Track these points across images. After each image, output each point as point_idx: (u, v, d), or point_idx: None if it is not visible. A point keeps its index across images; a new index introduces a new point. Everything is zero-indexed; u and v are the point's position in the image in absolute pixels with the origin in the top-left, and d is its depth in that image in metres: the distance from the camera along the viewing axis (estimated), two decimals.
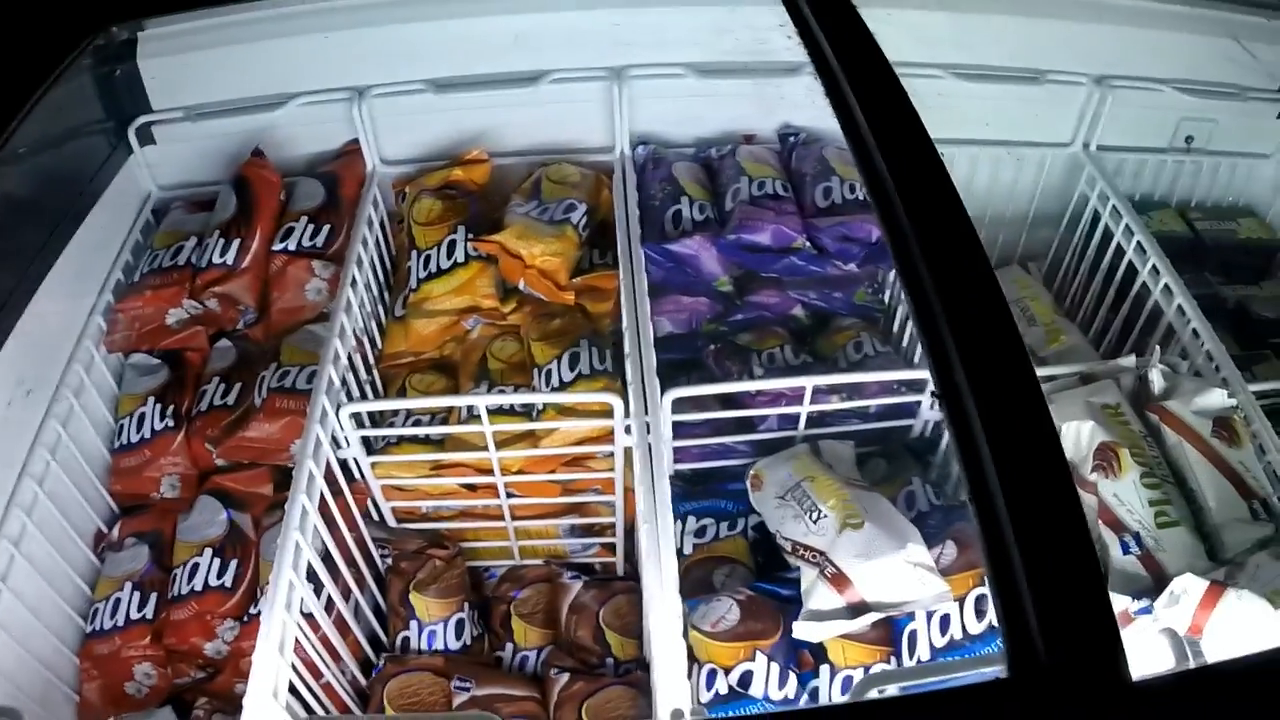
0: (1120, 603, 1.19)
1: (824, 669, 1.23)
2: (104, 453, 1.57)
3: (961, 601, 1.21)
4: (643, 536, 1.24)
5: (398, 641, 1.51)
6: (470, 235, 1.58)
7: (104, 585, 1.49)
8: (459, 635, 1.51)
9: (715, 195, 1.66)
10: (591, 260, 1.65)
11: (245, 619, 1.46)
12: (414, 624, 1.51)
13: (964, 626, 1.19)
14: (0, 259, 1.41)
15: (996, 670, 0.81)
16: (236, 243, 1.58)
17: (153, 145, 1.67)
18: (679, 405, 1.40)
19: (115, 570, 1.49)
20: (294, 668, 1.24)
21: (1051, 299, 1.88)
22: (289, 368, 1.54)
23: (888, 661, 1.23)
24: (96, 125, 1.62)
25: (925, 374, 1.45)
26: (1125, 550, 1.29)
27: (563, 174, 1.64)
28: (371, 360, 1.60)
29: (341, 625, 1.43)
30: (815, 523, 1.28)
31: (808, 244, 1.57)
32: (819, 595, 1.21)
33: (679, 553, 1.41)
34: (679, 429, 1.45)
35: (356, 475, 1.50)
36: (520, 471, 1.49)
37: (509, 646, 1.56)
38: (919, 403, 1.47)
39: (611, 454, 1.44)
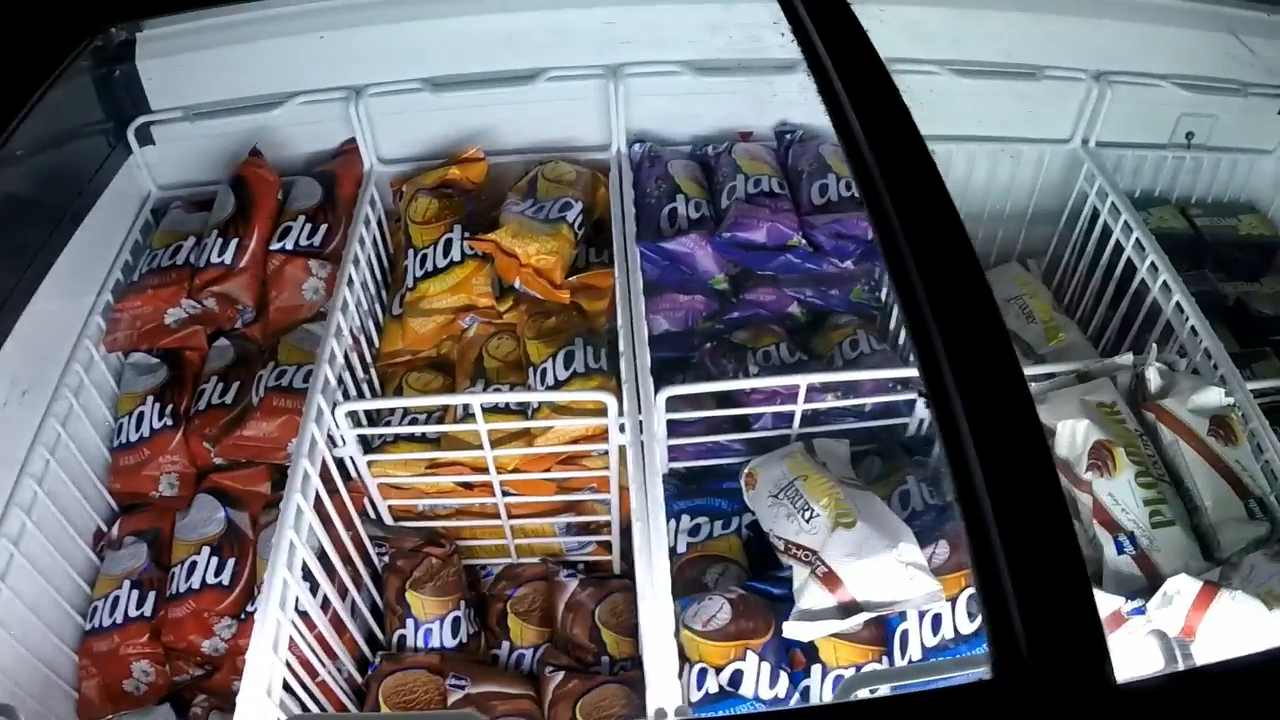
0: (1113, 603, 1.18)
1: (815, 668, 1.22)
2: (104, 451, 1.57)
3: (954, 601, 1.20)
4: (635, 535, 1.23)
5: (394, 639, 1.51)
6: (466, 234, 1.58)
7: (103, 583, 1.49)
8: (455, 633, 1.51)
9: (711, 193, 1.65)
10: (588, 258, 1.65)
11: (243, 617, 1.47)
12: (410, 622, 1.51)
13: (955, 626, 1.18)
14: (0, 259, 1.41)
15: (982, 671, 0.80)
16: (234, 242, 1.58)
17: (152, 145, 1.67)
18: (673, 403, 1.40)
19: (114, 568, 1.50)
20: (289, 666, 1.25)
21: (1051, 296, 1.86)
22: (286, 367, 1.54)
23: (880, 661, 1.22)
24: (95, 126, 1.62)
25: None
26: (1120, 550, 1.28)
27: (559, 172, 1.63)
28: (369, 359, 1.60)
29: (337, 623, 1.43)
30: (808, 521, 1.27)
31: (803, 242, 1.56)
32: (810, 594, 1.20)
33: (672, 551, 1.40)
34: (674, 427, 1.45)
35: (353, 474, 1.50)
36: (516, 470, 1.49)
37: (505, 644, 1.56)
38: (914, 401, 1.46)
39: (606, 452, 1.43)
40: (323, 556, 1.38)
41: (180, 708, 1.47)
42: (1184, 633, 1.14)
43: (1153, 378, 1.43)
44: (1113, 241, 1.73)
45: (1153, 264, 1.62)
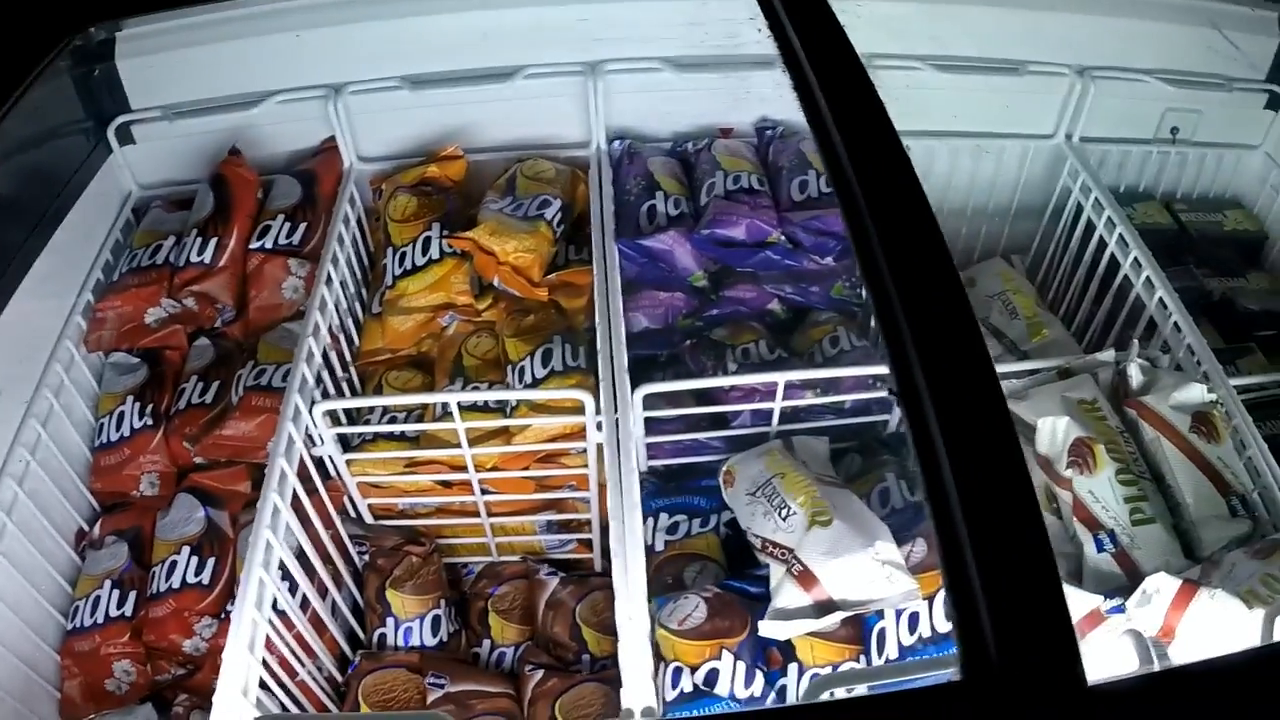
0: (1092, 601, 1.15)
1: (792, 667, 1.19)
2: (85, 451, 1.55)
3: (931, 600, 1.17)
4: (611, 534, 1.21)
5: (374, 638, 1.49)
6: (445, 232, 1.55)
7: (84, 583, 1.48)
8: (435, 631, 1.49)
9: (691, 190, 1.62)
10: (567, 256, 1.62)
11: (223, 616, 1.44)
12: (390, 620, 1.48)
13: (932, 625, 1.16)
14: None
15: (951, 673, 0.78)
16: (214, 241, 1.56)
17: (132, 145, 1.65)
18: (652, 401, 1.38)
19: (95, 568, 1.48)
20: (267, 665, 1.23)
21: (1035, 292, 1.83)
22: (265, 366, 1.52)
23: (857, 660, 1.19)
24: (76, 125, 1.60)
25: None
26: (1100, 548, 1.25)
27: (538, 170, 1.61)
28: (349, 357, 1.57)
29: (317, 622, 1.41)
30: (784, 520, 1.25)
31: (783, 238, 1.54)
32: (786, 593, 1.18)
33: (650, 550, 1.38)
34: (653, 425, 1.42)
35: (332, 472, 1.47)
36: (495, 468, 1.47)
37: (486, 643, 1.53)
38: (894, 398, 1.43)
39: (585, 450, 1.41)
40: (301, 556, 1.36)
41: (162, 707, 1.45)
42: (1163, 632, 1.11)
43: (1134, 374, 1.41)
44: (1096, 237, 1.70)
45: (1136, 260, 1.59)
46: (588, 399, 1.33)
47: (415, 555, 1.53)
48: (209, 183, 1.60)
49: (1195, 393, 1.36)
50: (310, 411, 1.38)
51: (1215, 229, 1.84)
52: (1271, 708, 0.78)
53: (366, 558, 1.54)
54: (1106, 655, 1.08)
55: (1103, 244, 1.68)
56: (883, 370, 1.41)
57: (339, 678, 1.45)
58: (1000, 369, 1.47)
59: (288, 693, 1.33)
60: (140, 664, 1.44)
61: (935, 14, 1.65)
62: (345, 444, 1.48)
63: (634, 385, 1.32)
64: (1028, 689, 0.76)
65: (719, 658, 1.17)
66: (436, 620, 1.50)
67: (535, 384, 1.44)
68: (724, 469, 1.39)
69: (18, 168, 1.49)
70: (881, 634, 1.19)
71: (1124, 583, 1.21)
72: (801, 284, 1.59)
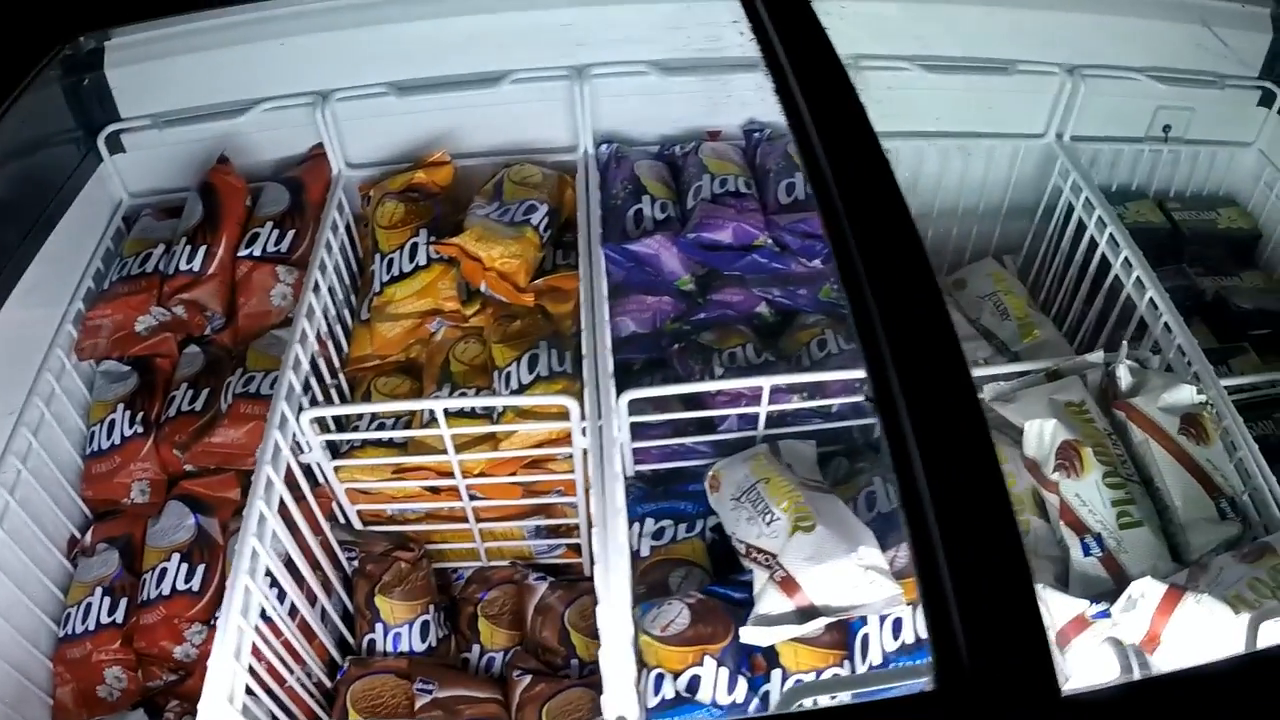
0: (1077, 606, 1.13)
1: (776, 673, 1.18)
2: (77, 459, 1.55)
3: (915, 605, 1.16)
4: (594, 540, 1.20)
5: (364, 644, 1.49)
6: (432, 238, 1.54)
7: (76, 590, 1.47)
8: (424, 637, 1.48)
9: (678, 193, 1.61)
10: (554, 261, 1.61)
11: (212, 623, 1.43)
12: (379, 626, 1.48)
13: (916, 631, 1.14)
14: None
15: (924, 682, 0.76)
16: (203, 249, 1.55)
17: (122, 153, 1.64)
18: (638, 406, 1.36)
19: (86, 575, 1.48)
20: (255, 672, 1.22)
21: (1027, 292, 1.81)
22: (254, 373, 1.51)
23: (841, 665, 1.18)
24: (66, 134, 1.60)
25: None
26: (1086, 552, 1.23)
27: (524, 175, 1.60)
28: (337, 364, 1.57)
29: (305, 629, 1.40)
30: (768, 525, 1.23)
31: (770, 241, 1.52)
32: (768, 599, 1.16)
33: (636, 555, 1.37)
34: (640, 430, 1.41)
35: (320, 479, 1.47)
36: (482, 474, 1.46)
37: (476, 647, 1.53)
38: None
39: (571, 455, 1.40)
40: (289, 563, 1.36)
41: (154, 713, 1.45)
42: (1149, 637, 1.09)
43: (1123, 375, 1.38)
44: (1087, 237, 1.68)
45: (1126, 259, 1.57)
46: (572, 404, 1.32)
47: (404, 561, 1.52)
48: (198, 191, 1.60)
49: (1184, 394, 1.34)
50: (297, 419, 1.38)
51: (1209, 227, 1.81)
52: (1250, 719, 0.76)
53: (356, 564, 1.53)
54: (1090, 662, 1.06)
55: (1094, 244, 1.66)
56: (865, 374, 1.39)
57: (328, 684, 1.44)
58: (988, 371, 1.45)
59: (276, 699, 1.33)
60: (131, 670, 1.44)
61: (923, 14, 1.64)
62: (334, 450, 1.47)
63: (620, 390, 1.31)
64: (1000, 699, 0.74)
65: (701, 664, 1.15)
66: (425, 626, 1.49)
67: (521, 390, 1.43)
68: (710, 474, 1.37)
69: (9, 177, 1.49)
70: (865, 639, 1.17)
71: (1111, 587, 1.19)
72: (789, 287, 1.57)
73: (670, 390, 1.37)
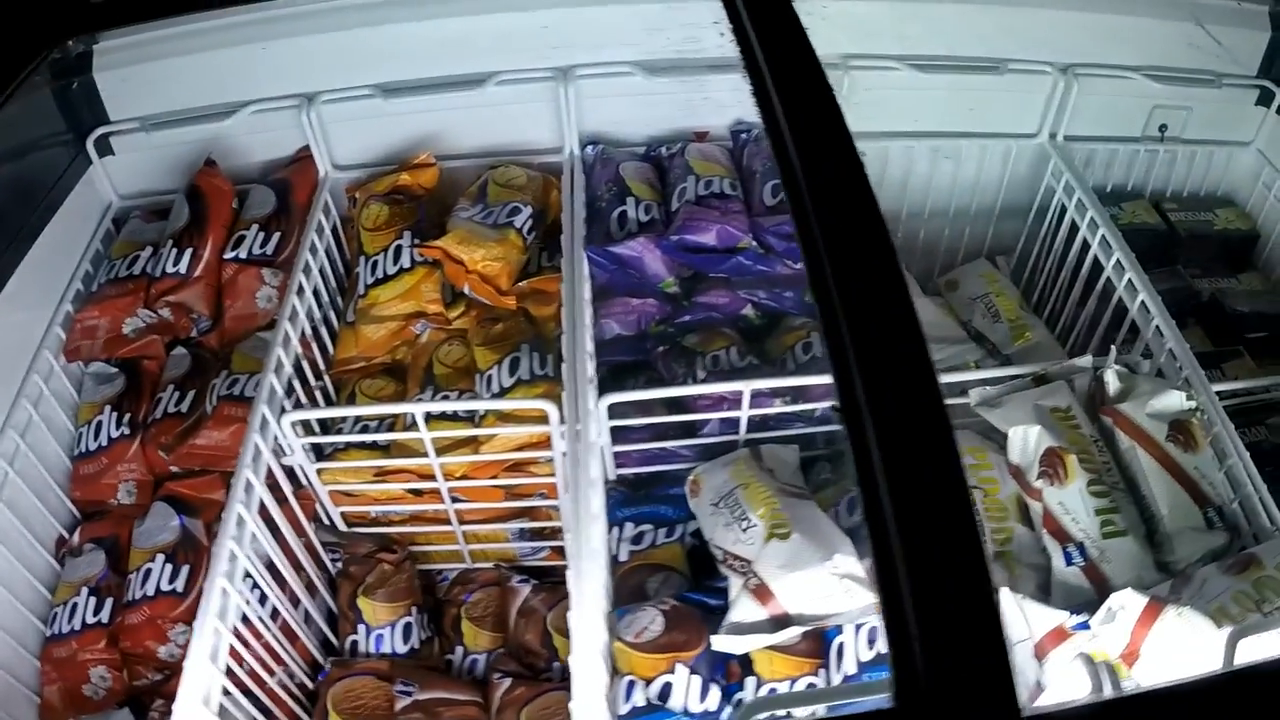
0: (1056, 618, 1.10)
1: (750, 681, 1.15)
2: (65, 460, 1.54)
3: None
4: (567, 545, 1.18)
5: (347, 645, 1.47)
6: (416, 240, 1.53)
7: (63, 590, 1.47)
8: (406, 639, 1.47)
9: (664, 195, 1.58)
10: (540, 263, 1.59)
11: None
12: (362, 627, 1.47)
13: None
14: None
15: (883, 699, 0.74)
16: (189, 252, 1.54)
17: (111, 156, 1.63)
18: (620, 409, 1.34)
19: (73, 575, 1.47)
20: (234, 673, 1.22)
21: (1019, 294, 1.77)
22: (239, 375, 1.50)
23: (816, 674, 1.15)
24: (56, 138, 1.59)
25: None
26: (1068, 561, 1.20)
27: (509, 176, 1.57)
28: (322, 366, 1.55)
29: (288, 630, 1.39)
30: (745, 531, 1.21)
31: (754, 244, 1.49)
32: (742, 607, 1.14)
33: (615, 560, 1.35)
34: (623, 433, 1.39)
35: (303, 481, 1.46)
36: (464, 477, 1.44)
37: (459, 649, 1.51)
38: None
39: (553, 459, 1.38)
40: (271, 564, 1.35)
41: (140, 712, 1.44)
42: (1129, 650, 1.06)
43: (1111, 380, 1.34)
44: (1080, 238, 1.64)
45: (1119, 261, 1.53)
46: (551, 408, 1.30)
47: (388, 563, 1.51)
48: (184, 194, 1.59)
49: (1173, 400, 1.30)
50: (279, 422, 1.36)
51: (1205, 228, 1.76)
52: None
53: (340, 565, 1.52)
54: (1063, 677, 1.03)
55: (1086, 245, 1.62)
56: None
57: (311, 685, 1.43)
58: (973, 375, 1.42)
59: (256, 700, 1.32)
60: (116, 670, 1.43)
61: (912, 13, 1.60)
62: (319, 453, 1.46)
63: (605, 393, 1.29)
64: (959, 717, 0.71)
65: (673, 671, 1.13)
66: (408, 627, 1.48)
67: (502, 393, 1.41)
68: (690, 478, 1.35)
69: None
70: (841, 648, 1.14)
71: (1093, 597, 1.16)
72: (775, 289, 1.54)
73: (649, 394, 1.34)
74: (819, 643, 1.17)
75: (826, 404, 1.38)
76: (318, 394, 1.53)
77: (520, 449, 1.40)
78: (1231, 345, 1.60)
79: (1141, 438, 1.27)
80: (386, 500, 1.49)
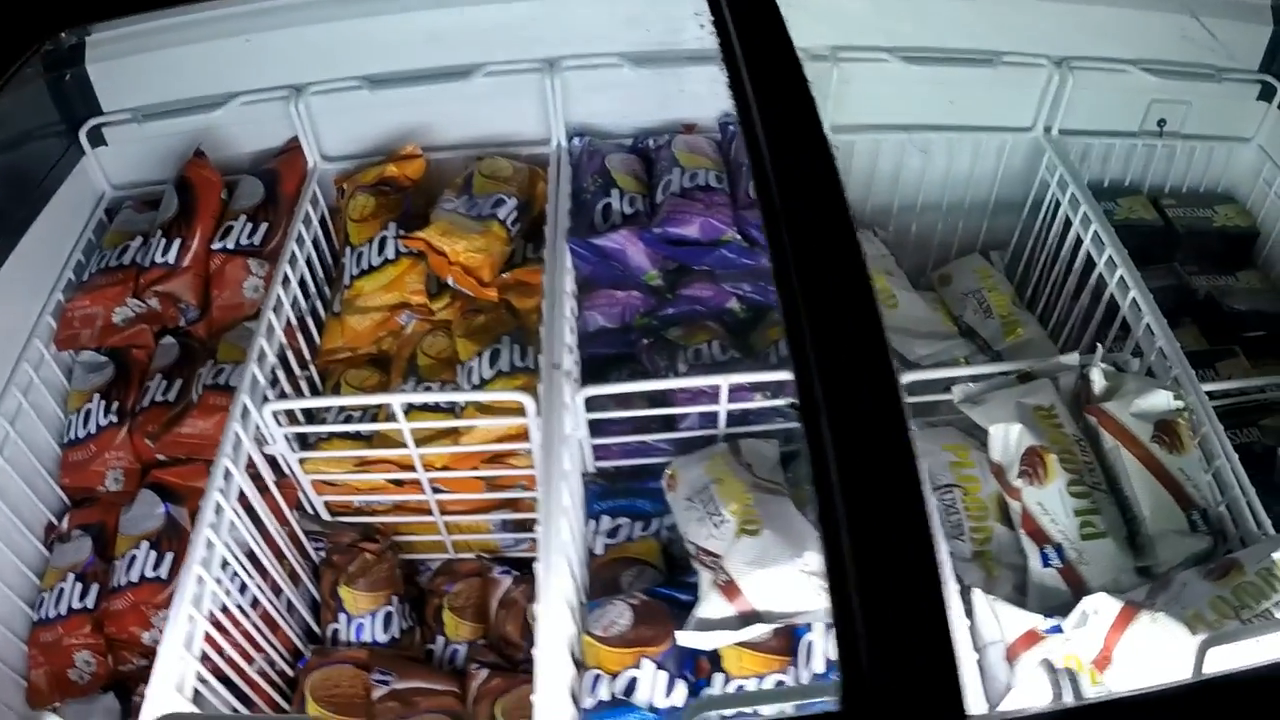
0: (1029, 621, 1.07)
1: (718, 677, 1.13)
2: (55, 447, 1.54)
3: None
4: (538, 538, 1.16)
5: (328, 633, 1.47)
6: (401, 231, 1.51)
7: (50, 575, 1.47)
8: (387, 628, 1.46)
9: (650, 187, 1.55)
10: (525, 255, 1.57)
11: None
12: (343, 616, 1.46)
13: None
14: None
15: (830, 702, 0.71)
16: (178, 242, 1.54)
17: (104, 146, 1.63)
18: (601, 402, 1.32)
19: (61, 561, 1.47)
20: (212, 660, 1.21)
21: (1012, 290, 1.73)
22: (224, 365, 1.49)
23: (784, 672, 1.12)
24: (49, 128, 1.59)
25: None
26: (1045, 562, 1.16)
27: (495, 168, 1.55)
28: (307, 356, 1.54)
29: (268, 619, 1.39)
30: (717, 527, 1.18)
31: (738, 236, 1.46)
32: (709, 603, 1.11)
33: (590, 553, 1.33)
34: (604, 426, 1.37)
35: (286, 471, 1.45)
36: (445, 468, 1.43)
37: (440, 639, 1.50)
38: None
39: (532, 451, 1.36)
40: (252, 553, 1.34)
41: (125, 696, 1.44)
42: (1101, 655, 1.02)
43: (1097, 379, 1.30)
44: (1073, 233, 1.59)
45: (1111, 257, 1.48)
46: (528, 400, 1.28)
47: (370, 552, 1.49)
48: (174, 185, 1.58)
49: (1160, 400, 1.26)
50: (260, 411, 1.35)
51: (1204, 224, 1.71)
52: None
53: (324, 554, 1.51)
54: (1027, 682, 1.00)
55: (1080, 240, 1.57)
56: None
57: (292, 673, 1.42)
58: (958, 372, 1.38)
59: (235, 688, 1.32)
60: (100, 655, 1.43)
61: (902, 6, 1.56)
62: (303, 442, 1.45)
63: (588, 385, 1.27)
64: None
65: (639, 666, 1.11)
66: (389, 617, 1.46)
67: (482, 385, 1.39)
68: (667, 472, 1.33)
69: None
70: (810, 646, 1.12)
71: (1069, 599, 1.12)
72: (760, 282, 1.51)
73: (626, 388, 1.32)
74: (789, 640, 1.14)
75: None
76: (303, 384, 1.52)
77: (500, 441, 1.38)
78: (1227, 344, 1.54)
79: (1125, 438, 1.23)
80: (368, 490, 1.48)
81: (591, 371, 1.50)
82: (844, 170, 1.67)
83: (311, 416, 1.49)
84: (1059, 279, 1.66)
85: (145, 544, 1.44)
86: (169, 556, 1.44)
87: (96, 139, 1.62)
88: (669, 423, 1.39)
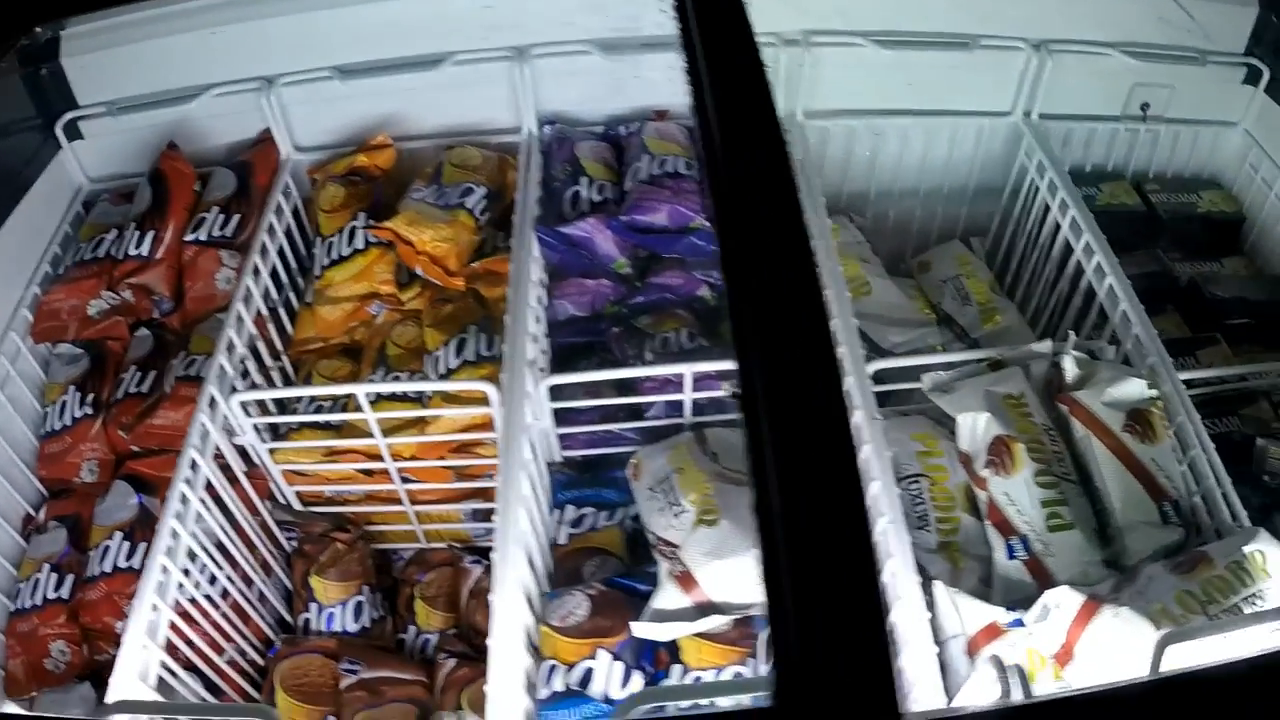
0: (990, 614, 1.02)
1: (676, 668, 1.09)
2: (33, 439, 1.52)
3: None
4: (495, 527, 1.13)
5: (300, 623, 1.44)
6: (370, 222, 1.48)
7: (26, 566, 1.45)
8: (357, 617, 1.43)
9: (620, 175, 1.51)
10: (495, 244, 1.53)
11: None
12: (313, 606, 1.43)
13: None
14: None
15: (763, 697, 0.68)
16: (151, 234, 1.51)
17: (81, 140, 1.60)
18: (570, 391, 1.29)
19: (37, 552, 1.45)
20: (178, 650, 1.19)
21: (991, 276, 1.67)
22: (196, 356, 1.46)
23: (744, 663, 1.08)
24: (25, 122, 1.57)
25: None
26: (1011, 554, 1.11)
27: (464, 157, 1.51)
28: (280, 347, 1.52)
29: (238, 608, 1.37)
30: (676, 517, 1.15)
31: (706, 224, 1.42)
32: (665, 594, 1.08)
33: (554, 543, 1.29)
34: (571, 415, 1.33)
35: (256, 461, 1.42)
36: (413, 457, 1.40)
37: (412, 629, 1.47)
38: None
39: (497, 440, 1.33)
40: (221, 543, 1.32)
41: (101, 685, 1.42)
42: (1063, 650, 0.98)
43: (1069, 367, 1.25)
44: (1051, 219, 1.53)
45: (1088, 243, 1.42)
46: (491, 390, 1.25)
47: (341, 542, 1.47)
48: (147, 177, 1.55)
49: (1133, 388, 1.20)
50: (228, 402, 1.33)
51: (1188, 210, 1.64)
52: None
53: (296, 544, 1.49)
54: (978, 678, 0.95)
55: (1059, 226, 1.51)
56: None
57: (263, 662, 1.40)
58: (926, 359, 1.33)
59: (204, 677, 1.30)
60: (75, 645, 1.41)
61: None
62: (274, 432, 1.43)
63: (557, 374, 1.24)
64: (837, 718, 0.65)
65: (594, 657, 1.07)
66: (359, 606, 1.44)
67: (448, 374, 1.36)
68: (632, 461, 1.29)
69: None
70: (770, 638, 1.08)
71: (1035, 592, 1.07)
72: None
73: (589, 377, 1.28)
74: (748, 632, 1.10)
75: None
76: (276, 374, 1.50)
77: (466, 430, 1.35)
78: (1209, 332, 1.48)
79: (1096, 427, 1.18)
80: (339, 480, 1.45)
81: (563, 360, 1.46)
82: (818, 156, 1.62)
83: (284, 407, 1.46)
84: (1038, 265, 1.60)
85: (119, 534, 1.42)
86: (142, 547, 1.41)
87: (73, 132, 1.59)
88: (636, 412, 1.35)
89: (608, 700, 1.05)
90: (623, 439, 1.36)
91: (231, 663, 1.35)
